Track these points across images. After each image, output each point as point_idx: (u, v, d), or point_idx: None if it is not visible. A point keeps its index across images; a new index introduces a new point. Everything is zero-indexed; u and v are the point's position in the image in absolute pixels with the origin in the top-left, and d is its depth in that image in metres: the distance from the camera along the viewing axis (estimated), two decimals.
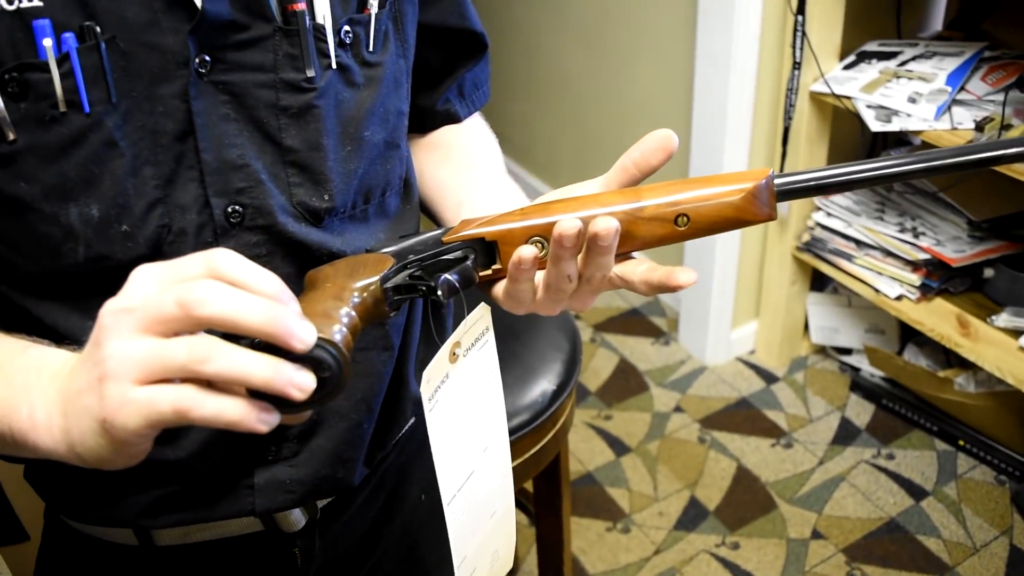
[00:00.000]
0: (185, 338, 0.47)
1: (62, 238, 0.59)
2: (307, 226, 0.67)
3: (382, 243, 0.65)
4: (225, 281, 0.47)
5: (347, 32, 0.65)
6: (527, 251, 0.57)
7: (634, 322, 2.66)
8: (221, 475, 0.71)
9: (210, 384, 0.48)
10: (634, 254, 0.62)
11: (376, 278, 0.59)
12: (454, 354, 0.64)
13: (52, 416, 0.51)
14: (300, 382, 0.48)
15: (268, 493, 0.73)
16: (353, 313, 0.56)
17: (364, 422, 0.76)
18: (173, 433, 0.67)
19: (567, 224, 0.56)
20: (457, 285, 0.60)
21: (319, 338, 0.49)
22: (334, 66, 0.65)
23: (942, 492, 2.06)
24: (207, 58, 0.59)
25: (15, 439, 0.53)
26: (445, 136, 0.86)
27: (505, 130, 3.37)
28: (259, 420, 0.48)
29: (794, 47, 1.98)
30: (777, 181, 0.58)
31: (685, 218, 0.58)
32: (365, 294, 0.58)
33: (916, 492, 2.06)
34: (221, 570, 0.78)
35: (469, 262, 0.61)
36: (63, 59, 0.55)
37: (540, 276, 0.61)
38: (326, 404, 0.51)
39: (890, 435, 2.21)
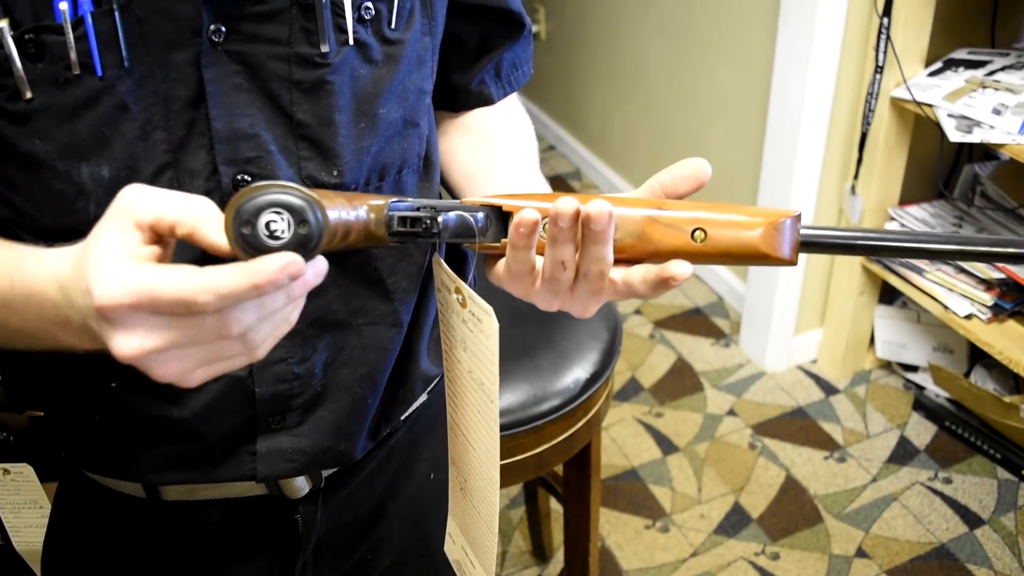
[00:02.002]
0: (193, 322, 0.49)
1: (75, 195, 0.61)
2: None
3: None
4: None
5: (368, 8, 0.64)
6: (529, 214, 0.56)
7: (696, 321, 2.62)
8: (225, 439, 0.72)
9: None
10: None
11: (385, 201, 0.59)
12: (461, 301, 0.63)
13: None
14: (283, 266, 0.47)
15: (270, 461, 0.74)
16: (352, 217, 0.55)
17: (368, 397, 0.76)
18: (178, 393, 0.69)
19: (564, 203, 0.55)
20: (458, 226, 0.59)
21: (297, 189, 0.49)
22: (351, 42, 0.64)
23: (999, 522, 1.98)
24: (222, 28, 0.60)
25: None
26: (479, 120, 0.85)
27: (583, 120, 3.36)
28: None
29: (877, 50, 1.92)
30: (803, 231, 0.57)
31: (702, 233, 0.57)
32: (372, 213, 0.58)
33: (971, 520, 1.99)
34: (224, 528, 0.80)
35: (480, 214, 0.60)
36: (78, 23, 0.56)
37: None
38: (308, 258, 0.50)
39: (950, 458, 2.14)
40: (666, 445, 2.20)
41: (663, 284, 0.57)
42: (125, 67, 0.58)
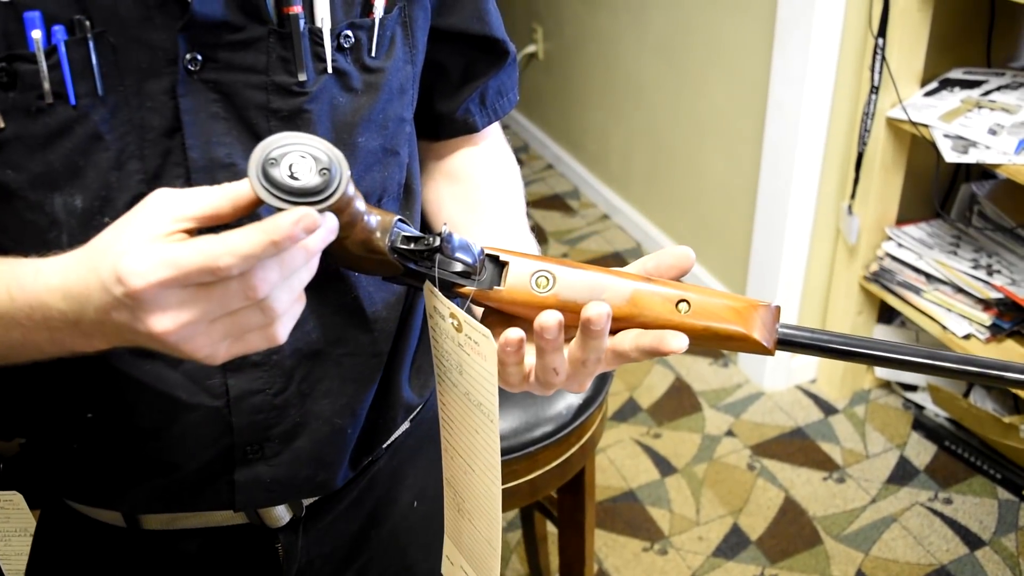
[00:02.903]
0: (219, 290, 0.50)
1: (47, 226, 0.60)
2: None
3: None
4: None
5: (347, 36, 0.64)
6: (514, 334, 0.57)
7: None
8: (202, 468, 0.72)
9: None
10: None
11: (394, 217, 0.59)
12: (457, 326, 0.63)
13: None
14: (297, 219, 0.49)
15: (248, 490, 0.73)
16: (363, 210, 0.56)
17: (348, 427, 0.76)
18: (155, 422, 0.68)
19: (547, 317, 0.56)
20: (459, 249, 0.60)
21: (328, 145, 0.51)
22: (330, 70, 0.64)
23: (1000, 543, 1.96)
24: (198, 56, 0.60)
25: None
26: (463, 166, 0.84)
27: (580, 139, 3.36)
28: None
29: (872, 70, 1.92)
30: (781, 329, 0.59)
31: (687, 305, 0.59)
32: (379, 223, 0.58)
33: (972, 541, 1.97)
34: (205, 558, 0.79)
35: (478, 250, 0.61)
36: (52, 51, 0.56)
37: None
38: (320, 207, 0.52)
39: (950, 479, 2.12)
40: (664, 466, 2.19)
41: (658, 354, 0.58)
42: (99, 96, 0.58)
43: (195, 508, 0.74)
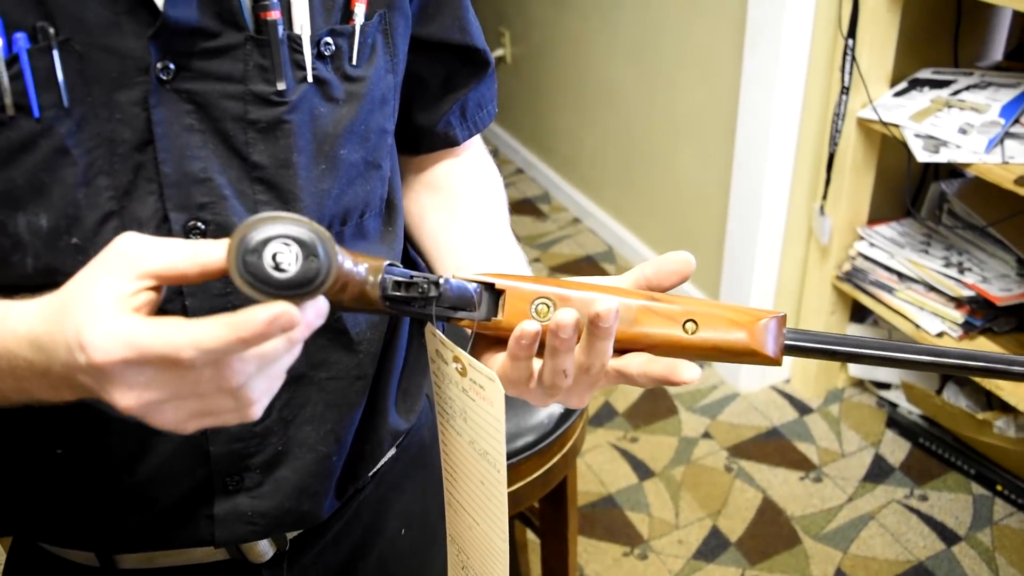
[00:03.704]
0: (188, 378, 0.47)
1: (10, 248, 0.57)
2: None
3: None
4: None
5: (327, 44, 0.62)
6: (530, 326, 0.55)
7: None
8: (180, 503, 0.69)
9: None
10: None
11: (383, 262, 0.56)
12: (461, 369, 0.60)
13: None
14: (272, 318, 0.45)
15: (228, 524, 0.70)
16: (353, 269, 0.52)
17: (333, 455, 0.73)
18: (128, 456, 0.65)
19: (563, 315, 0.54)
20: (455, 296, 0.57)
21: (312, 225, 0.47)
22: (310, 79, 0.61)
23: (975, 538, 1.97)
24: (171, 65, 0.57)
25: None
26: (445, 177, 0.82)
27: (551, 143, 3.35)
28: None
29: (843, 71, 1.93)
30: (788, 337, 0.58)
31: (693, 324, 0.57)
32: (369, 274, 0.54)
33: (948, 536, 1.98)
34: None
35: (475, 288, 0.58)
36: (13, 60, 0.53)
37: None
38: (306, 298, 0.48)
39: (925, 475, 2.14)
40: (642, 470, 2.19)
41: (669, 383, 0.56)
42: (65, 108, 0.55)
43: (173, 545, 0.71)
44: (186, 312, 0.62)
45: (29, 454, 0.67)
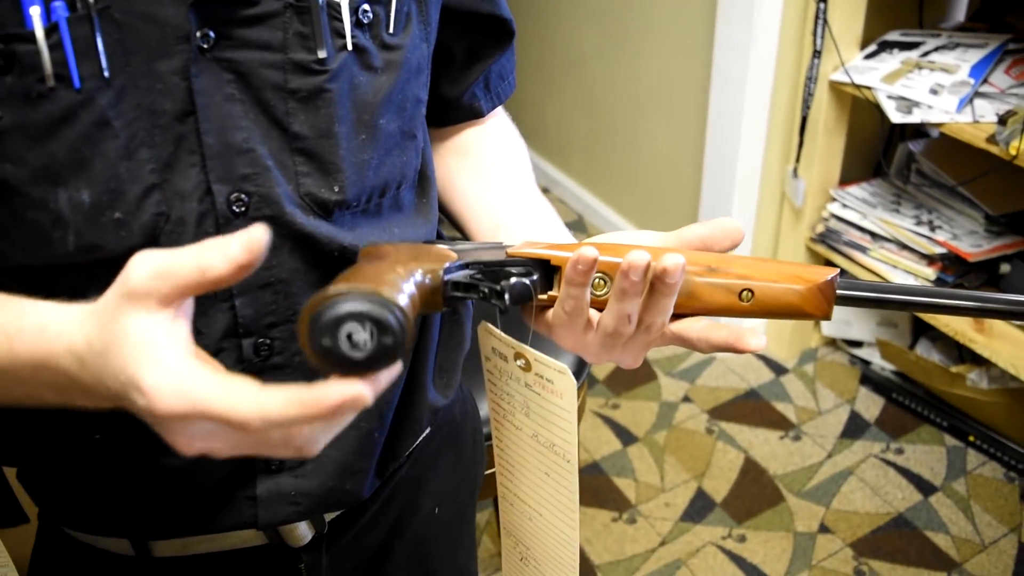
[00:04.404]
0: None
1: (51, 225, 0.56)
2: (316, 218, 0.62)
3: (444, 240, 0.63)
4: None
5: (365, 11, 0.61)
6: (589, 251, 0.54)
7: None
8: (221, 484, 0.68)
9: None
10: None
11: (440, 267, 0.56)
12: (526, 365, 0.60)
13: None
14: (342, 401, 0.44)
15: (271, 505, 0.69)
16: (415, 291, 0.52)
17: (375, 431, 0.72)
18: None
19: (637, 256, 0.53)
20: (517, 293, 0.57)
21: (381, 297, 0.46)
22: (349, 47, 0.60)
23: (951, 488, 2.04)
24: (211, 33, 0.55)
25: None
26: (472, 141, 0.82)
27: (516, 112, 3.32)
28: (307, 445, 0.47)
29: (815, 35, 1.95)
30: (840, 290, 0.59)
31: (750, 293, 0.58)
32: (427, 279, 0.55)
33: (925, 488, 2.04)
34: None
35: (535, 277, 0.58)
36: (52, 29, 0.51)
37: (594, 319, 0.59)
38: (382, 370, 0.46)
39: (899, 430, 2.20)
40: (625, 436, 2.21)
41: (732, 351, 0.57)
42: (105, 78, 0.53)
43: (214, 529, 0.70)
44: (235, 312, 0.62)
45: (67, 441, 0.65)
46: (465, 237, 0.79)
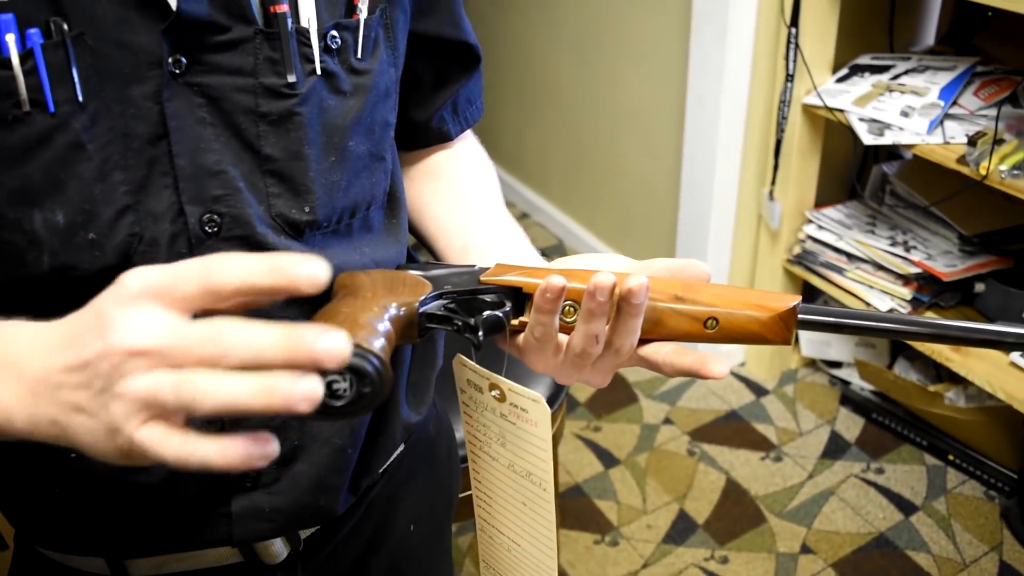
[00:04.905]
0: (172, 378, 0.44)
1: (26, 246, 0.57)
2: (287, 238, 0.64)
3: (417, 265, 0.64)
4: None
5: (334, 37, 0.62)
6: (556, 280, 0.55)
7: None
8: (196, 501, 0.68)
9: None
10: None
11: (415, 300, 0.58)
12: (500, 395, 0.61)
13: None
14: (303, 391, 0.43)
15: (246, 522, 0.69)
16: (390, 328, 0.54)
17: (348, 447, 0.73)
18: None
19: (602, 277, 0.55)
20: (490, 326, 0.59)
21: (359, 347, 0.47)
22: (318, 72, 0.62)
23: (931, 507, 2.05)
24: (182, 59, 0.57)
25: None
26: (441, 164, 0.83)
27: (495, 138, 3.36)
28: (252, 457, 0.46)
29: (787, 59, 1.98)
30: (801, 312, 0.60)
31: (715, 322, 0.59)
32: (402, 312, 0.57)
33: (906, 507, 2.05)
34: None
35: (507, 308, 0.60)
36: (27, 55, 0.53)
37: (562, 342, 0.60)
38: (361, 415, 0.48)
39: (880, 449, 2.20)
40: (607, 459, 2.21)
41: (696, 376, 0.58)
42: (79, 102, 0.55)
43: (189, 547, 0.70)
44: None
45: (42, 460, 0.66)
46: (436, 257, 0.80)
